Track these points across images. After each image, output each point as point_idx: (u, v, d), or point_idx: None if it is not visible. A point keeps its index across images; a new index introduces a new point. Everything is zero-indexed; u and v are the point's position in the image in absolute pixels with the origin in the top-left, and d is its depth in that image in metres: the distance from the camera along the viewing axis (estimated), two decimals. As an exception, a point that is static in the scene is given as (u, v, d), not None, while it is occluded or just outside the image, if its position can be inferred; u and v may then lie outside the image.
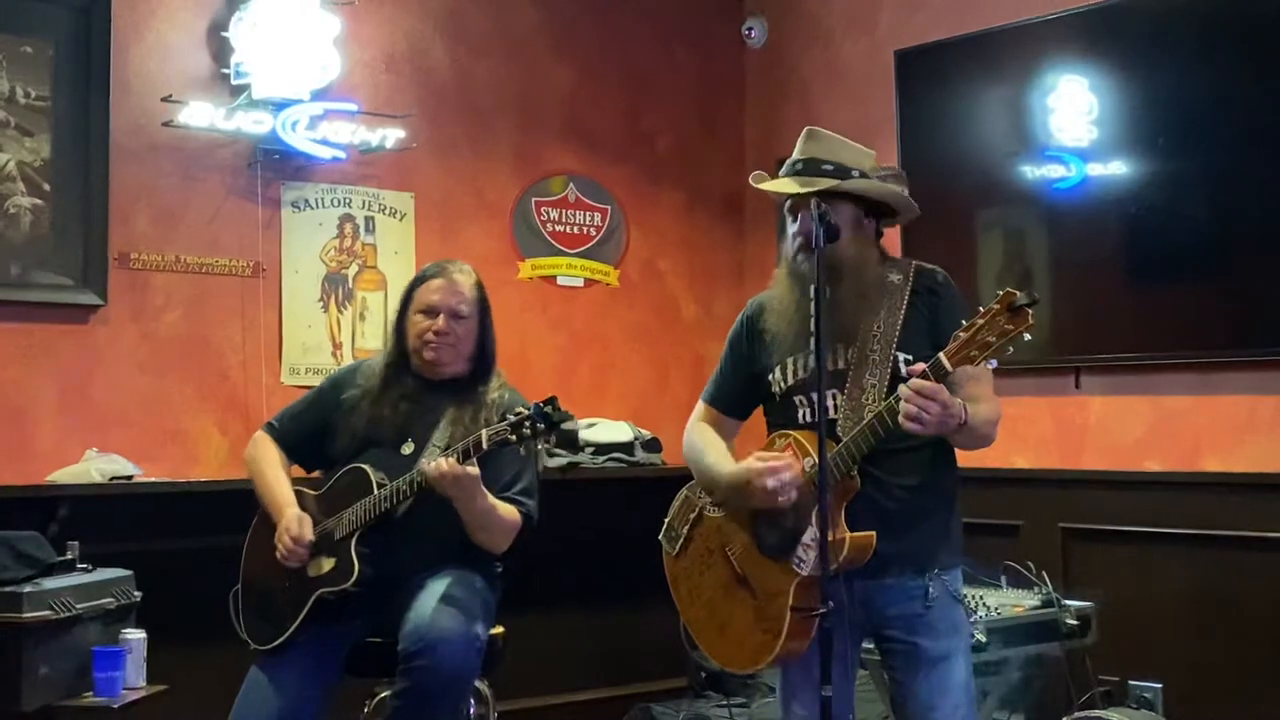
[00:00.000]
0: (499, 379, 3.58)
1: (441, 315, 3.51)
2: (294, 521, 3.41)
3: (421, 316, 3.53)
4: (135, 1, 4.69)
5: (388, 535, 3.39)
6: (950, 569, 2.95)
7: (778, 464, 2.84)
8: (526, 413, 3.17)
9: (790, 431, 2.95)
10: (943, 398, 2.64)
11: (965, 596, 3.05)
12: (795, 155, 3.00)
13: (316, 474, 3.65)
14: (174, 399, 4.73)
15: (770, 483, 2.82)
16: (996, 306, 2.57)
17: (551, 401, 3.18)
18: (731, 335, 3.18)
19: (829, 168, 2.93)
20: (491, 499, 3.35)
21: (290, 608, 3.40)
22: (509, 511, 3.41)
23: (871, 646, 3.10)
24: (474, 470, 3.25)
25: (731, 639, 3.00)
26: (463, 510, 3.32)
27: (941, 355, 2.64)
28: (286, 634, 3.39)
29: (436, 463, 3.25)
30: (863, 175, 2.95)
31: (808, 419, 2.92)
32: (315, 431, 3.61)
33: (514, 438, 3.18)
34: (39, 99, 4.49)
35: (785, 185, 2.95)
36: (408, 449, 3.47)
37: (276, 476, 3.55)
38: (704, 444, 3.10)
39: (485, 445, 3.21)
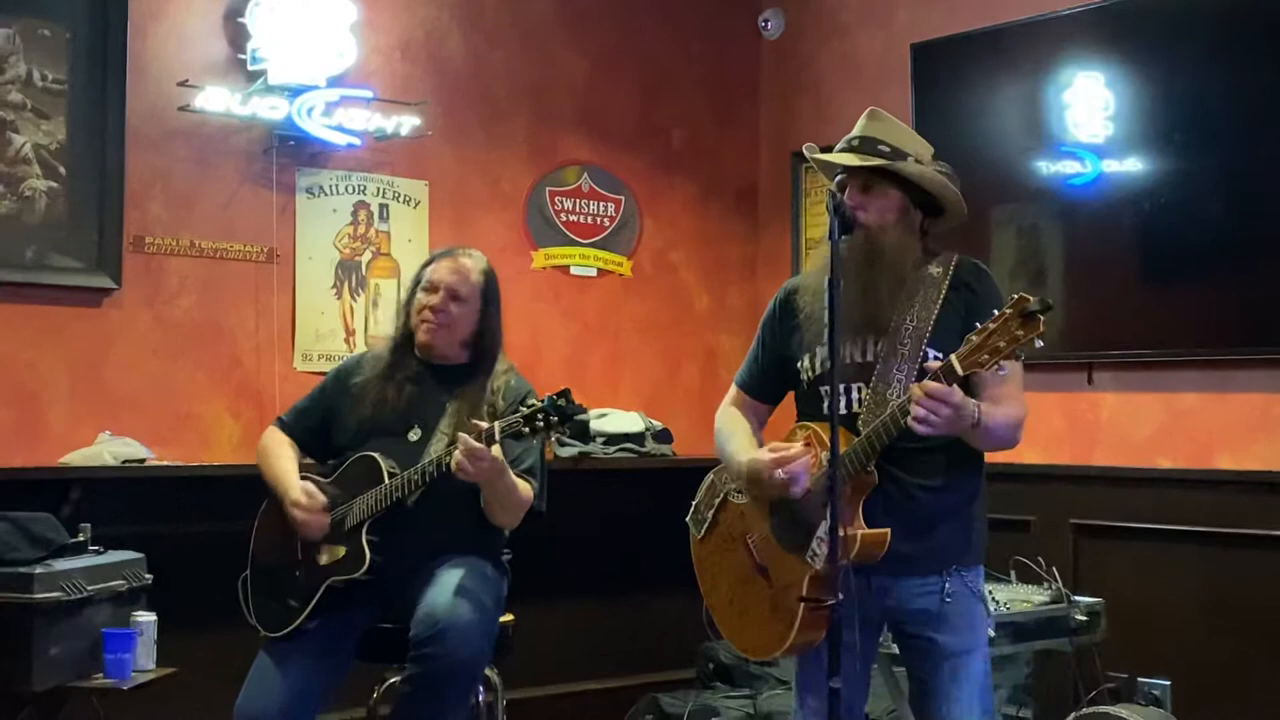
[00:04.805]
0: (504, 364, 3.57)
1: (441, 292, 3.52)
2: (300, 494, 3.42)
3: (424, 294, 3.55)
4: (153, -14, 4.70)
5: (398, 524, 3.39)
6: (971, 567, 2.93)
7: (785, 455, 2.82)
8: (540, 405, 3.15)
9: (810, 423, 2.93)
10: (954, 400, 2.62)
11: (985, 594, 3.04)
12: (854, 132, 2.96)
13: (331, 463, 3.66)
14: (187, 383, 4.74)
15: (779, 474, 2.82)
16: (1009, 312, 2.55)
17: (565, 394, 3.15)
18: (765, 317, 3.13)
19: (885, 149, 2.90)
20: (512, 476, 3.34)
21: (300, 595, 3.41)
22: (525, 488, 3.40)
23: (884, 639, 3.10)
24: (496, 451, 3.24)
25: (750, 626, 3.00)
26: (486, 488, 3.31)
27: (953, 358, 2.62)
28: (297, 622, 3.40)
29: (462, 443, 3.20)
30: (918, 163, 2.92)
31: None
32: (323, 423, 3.63)
33: (526, 430, 3.16)
34: (56, 82, 4.50)
35: (839, 158, 2.93)
36: (414, 435, 3.48)
37: (283, 459, 3.57)
38: (730, 430, 3.08)
39: (498, 437, 3.20)
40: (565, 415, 3.14)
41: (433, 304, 3.52)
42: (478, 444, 3.18)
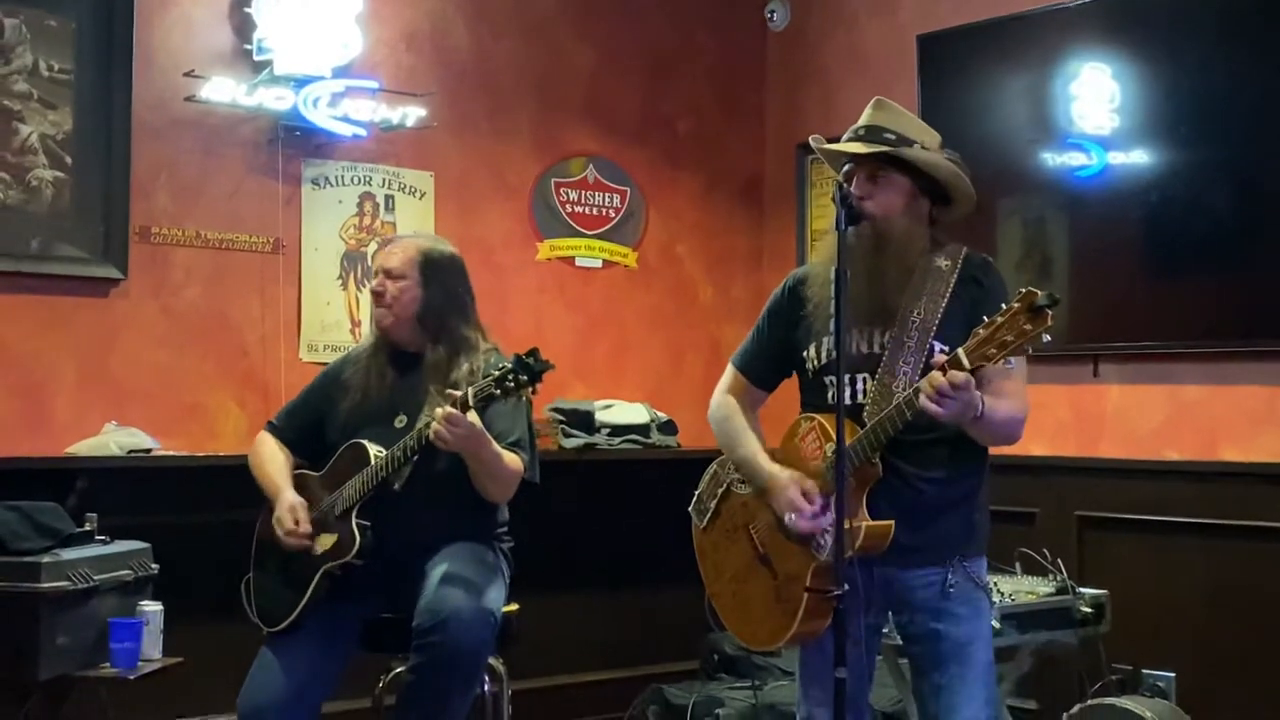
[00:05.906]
0: (485, 344, 3.57)
1: (379, 275, 3.56)
2: (286, 514, 3.45)
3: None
4: (159, -24, 4.70)
5: (389, 508, 3.40)
6: (974, 557, 2.93)
7: (805, 508, 2.83)
8: (508, 366, 3.16)
9: (815, 415, 2.92)
10: (969, 391, 2.61)
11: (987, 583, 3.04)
12: (860, 122, 2.95)
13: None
14: (193, 374, 4.74)
15: (789, 519, 2.84)
16: (1017, 306, 2.54)
17: (533, 353, 3.15)
18: (771, 302, 3.11)
19: (890, 136, 2.89)
20: (496, 445, 3.35)
21: (297, 587, 3.43)
22: (512, 459, 3.41)
23: (888, 630, 3.11)
24: (475, 419, 3.24)
25: (752, 616, 3.00)
26: (470, 459, 3.32)
27: (960, 352, 2.61)
28: (295, 614, 3.41)
29: (439, 411, 3.22)
30: (924, 150, 2.90)
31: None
32: (314, 423, 3.64)
33: (498, 392, 3.16)
34: (62, 72, 4.50)
35: (845, 148, 2.92)
36: (400, 422, 3.48)
37: (273, 464, 3.59)
38: (737, 429, 3.07)
39: (471, 403, 3.20)
40: (534, 372, 3.14)
41: (372, 286, 3.57)
42: (453, 410, 3.19)
